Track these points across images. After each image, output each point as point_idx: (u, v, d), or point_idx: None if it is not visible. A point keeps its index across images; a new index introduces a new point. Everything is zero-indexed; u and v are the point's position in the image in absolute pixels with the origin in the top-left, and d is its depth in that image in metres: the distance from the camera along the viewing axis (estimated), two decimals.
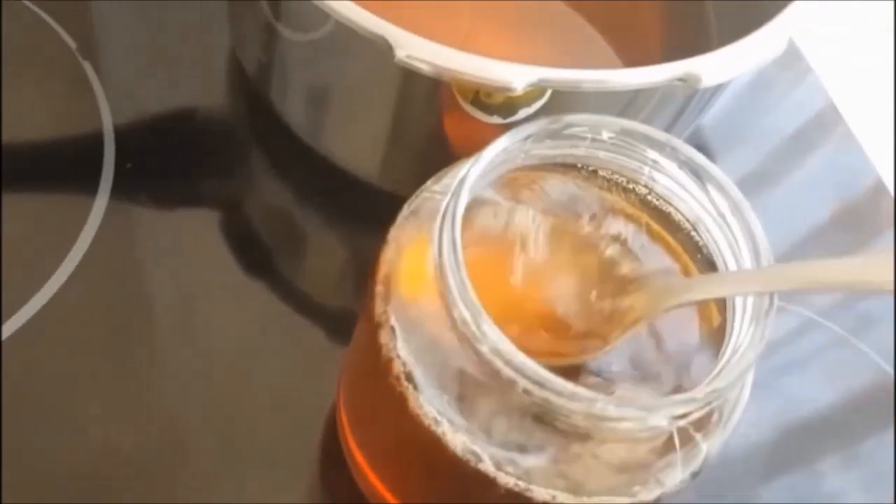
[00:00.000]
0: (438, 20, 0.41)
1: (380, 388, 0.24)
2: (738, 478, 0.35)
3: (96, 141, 0.38)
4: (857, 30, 0.53)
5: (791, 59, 0.47)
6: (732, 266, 0.23)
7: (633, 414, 0.20)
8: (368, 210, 0.27)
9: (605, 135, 0.23)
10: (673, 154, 0.23)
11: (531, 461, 0.22)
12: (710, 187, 0.23)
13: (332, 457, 0.32)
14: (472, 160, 0.22)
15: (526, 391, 0.21)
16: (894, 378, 0.38)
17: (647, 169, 0.24)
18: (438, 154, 0.33)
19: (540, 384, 0.20)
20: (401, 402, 0.23)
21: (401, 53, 0.28)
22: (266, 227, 0.39)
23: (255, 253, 0.38)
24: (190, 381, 0.34)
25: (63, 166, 0.38)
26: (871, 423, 0.38)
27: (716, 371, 0.21)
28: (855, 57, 0.52)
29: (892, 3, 0.51)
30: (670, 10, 0.42)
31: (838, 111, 0.46)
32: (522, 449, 0.22)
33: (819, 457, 0.37)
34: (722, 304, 0.24)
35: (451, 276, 0.21)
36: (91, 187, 0.37)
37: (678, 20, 0.41)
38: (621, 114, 0.31)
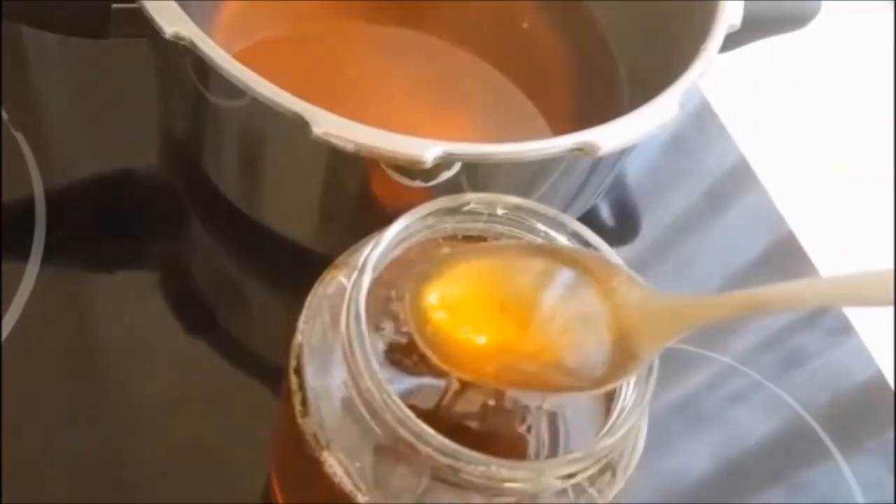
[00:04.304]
0: (374, 80, 0.42)
1: (299, 452, 0.25)
2: None
3: (27, 208, 0.38)
4: (767, 89, 0.57)
5: (706, 120, 0.50)
6: None
7: (524, 475, 0.22)
8: (306, 271, 0.28)
9: (500, 210, 0.25)
10: (562, 227, 0.25)
11: None
12: None
13: None
14: (374, 240, 0.24)
15: (429, 457, 0.22)
16: (808, 417, 0.40)
17: (539, 241, 0.25)
18: (370, 216, 0.34)
19: (440, 450, 0.22)
20: (316, 466, 0.25)
21: (317, 130, 0.29)
22: (205, 288, 0.39)
23: (194, 313, 0.38)
24: (131, 442, 0.34)
25: None
26: (798, 459, 0.40)
27: (604, 430, 0.23)
28: (764, 116, 0.55)
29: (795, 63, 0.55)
30: (582, 74, 0.44)
31: (749, 165, 0.49)
32: None
33: (753, 491, 0.39)
34: None
35: (356, 348, 0.23)
36: (22, 254, 0.37)
37: (591, 86, 0.43)
38: (534, 176, 0.33)
